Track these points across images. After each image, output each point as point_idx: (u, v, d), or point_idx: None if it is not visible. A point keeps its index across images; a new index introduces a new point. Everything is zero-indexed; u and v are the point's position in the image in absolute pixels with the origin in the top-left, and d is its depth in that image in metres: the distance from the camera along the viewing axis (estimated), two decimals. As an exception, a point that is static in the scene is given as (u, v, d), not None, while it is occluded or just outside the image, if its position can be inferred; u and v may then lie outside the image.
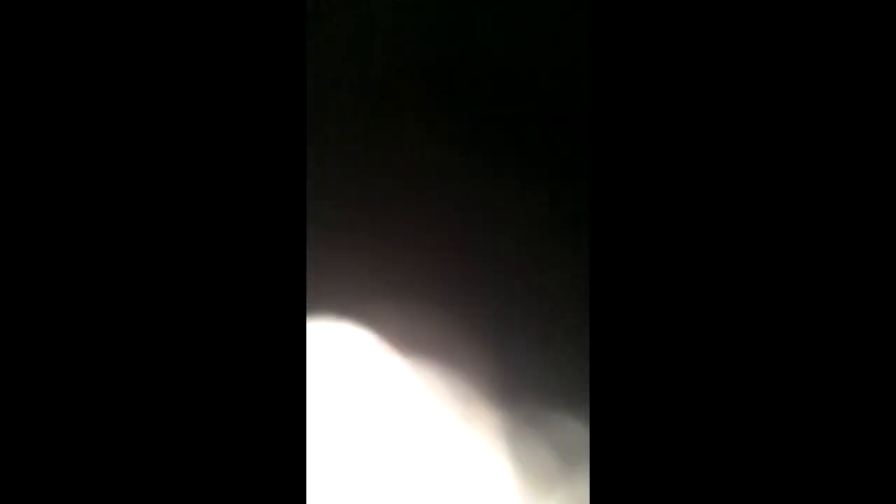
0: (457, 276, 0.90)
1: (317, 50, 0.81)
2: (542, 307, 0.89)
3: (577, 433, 0.88)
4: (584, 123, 0.84)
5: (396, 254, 0.90)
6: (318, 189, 0.85)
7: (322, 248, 0.86)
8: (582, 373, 0.85)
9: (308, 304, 0.85)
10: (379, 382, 0.89)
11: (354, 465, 0.87)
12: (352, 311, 0.89)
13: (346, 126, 0.89)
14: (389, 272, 0.89)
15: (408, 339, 0.89)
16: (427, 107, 0.90)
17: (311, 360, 0.87)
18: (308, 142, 0.69)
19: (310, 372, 0.86)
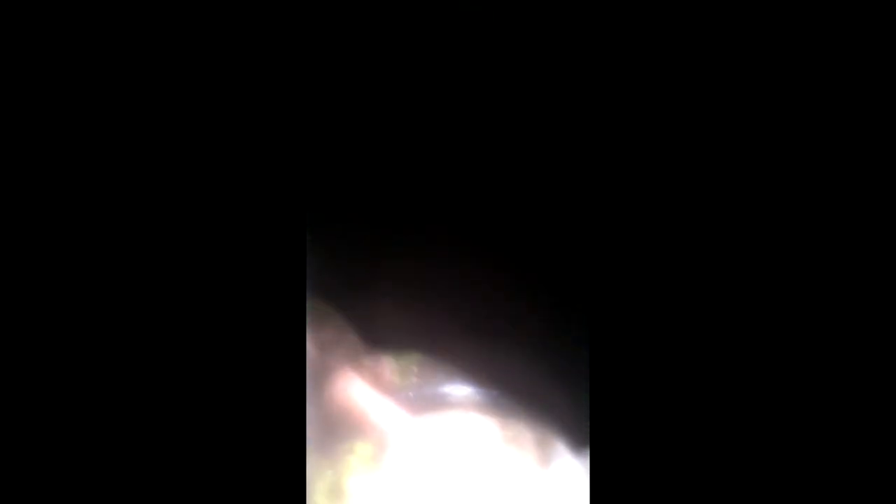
0: (457, 277, 0.90)
1: (318, 50, 0.82)
2: (543, 310, 0.89)
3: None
4: (585, 124, 0.84)
5: (394, 254, 0.90)
6: (317, 190, 0.85)
7: (321, 248, 0.86)
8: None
9: (308, 305, 0.86)
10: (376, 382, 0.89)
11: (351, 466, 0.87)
12: (348, 311, 0.89)
13: (346, 130, 0.89)
14: (388, 272, 0.90)
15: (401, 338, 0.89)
16: (427, 107, 0.90)
17: (310, 357, 0.87)
18: (308, 143, 0.69)
19: (308, 370, 0.86)
